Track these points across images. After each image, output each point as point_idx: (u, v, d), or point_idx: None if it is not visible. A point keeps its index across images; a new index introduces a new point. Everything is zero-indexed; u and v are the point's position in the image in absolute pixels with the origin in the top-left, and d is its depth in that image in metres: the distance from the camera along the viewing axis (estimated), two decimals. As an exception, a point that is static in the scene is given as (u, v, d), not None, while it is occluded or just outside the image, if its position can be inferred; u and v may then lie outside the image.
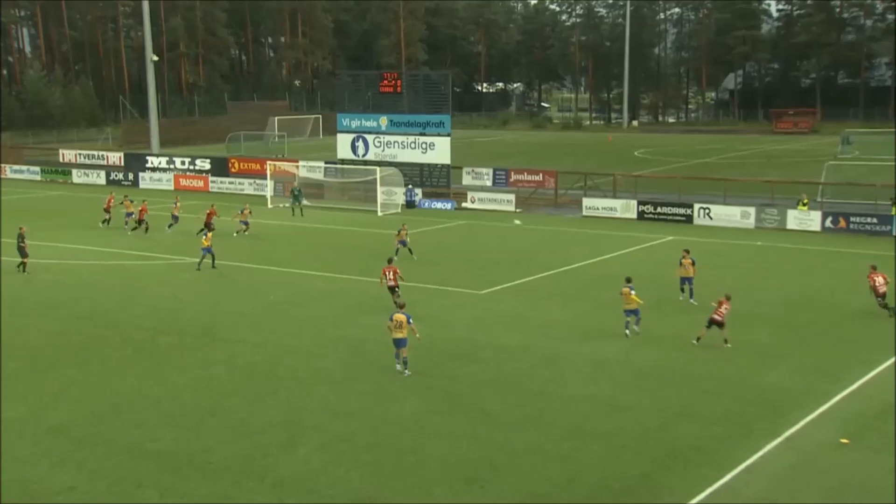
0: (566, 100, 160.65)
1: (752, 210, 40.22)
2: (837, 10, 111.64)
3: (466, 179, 50.47)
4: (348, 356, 20.71)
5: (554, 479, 14.30)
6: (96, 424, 16.49)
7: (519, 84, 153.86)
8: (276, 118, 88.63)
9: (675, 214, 41.47)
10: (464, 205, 46.73)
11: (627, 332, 22.03)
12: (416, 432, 16.19)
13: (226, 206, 43.44)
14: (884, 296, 23.71)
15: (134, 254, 33.41)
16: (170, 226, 38.21)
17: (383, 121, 48.88)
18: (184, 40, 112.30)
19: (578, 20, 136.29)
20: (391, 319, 19.37)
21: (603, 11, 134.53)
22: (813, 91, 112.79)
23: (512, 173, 49.86)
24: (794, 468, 14.74)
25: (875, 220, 37.97)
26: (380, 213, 44.01)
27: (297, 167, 50.19)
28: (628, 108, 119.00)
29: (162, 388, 18.40)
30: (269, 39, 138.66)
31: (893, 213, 37.97)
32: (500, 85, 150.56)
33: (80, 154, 65.23)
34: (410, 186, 47.41)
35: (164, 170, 57.64)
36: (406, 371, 19.27)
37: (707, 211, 40.91)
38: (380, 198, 44.91)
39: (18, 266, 29.47)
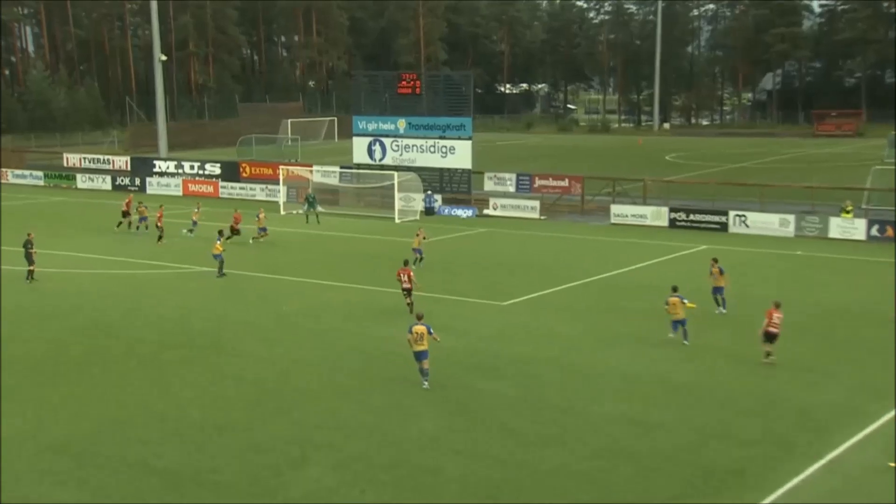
0: (593, 101, 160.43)
1: (791, 218, 39.90)
2: (885, 4, 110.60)
3: (488, 185, 50.44)
4: (363, 370, 20.69)
5: (580, 502, 14.17)
6: (99, 441, 16.56)
7: (544, 85, 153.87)
8: (290, 121, 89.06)
9: (709, 222, 41.24)
10: (485, 212, 46.70)
11: (686, 341, 22.42)
12: (434, 451, 16.12)
13: (227, 213, 43.64)
14: None
15: (139, 262, 33.62)
16: (190, 230, 38.60)
17: (401, 123, 48.98)
18: (193, 39, 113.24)
19: (607, 17, 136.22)
20: (411, 332, 19.36)
21: (633, 8, 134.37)
22: (858, 91, 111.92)
23: (536, 179, 49.78)
24: (838, 493, 14.54)
25: (924, 229, 37.54)
26: (397, 221, 44.06)
27: (311, 172, 50.38)
28: (659, 110, 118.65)
29: (167, 403, 18.45)
30: (283, 38, 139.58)
31: (944, 220, 37.51)
32: (524, 86, 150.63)
33: (84, 158, 65.79)
34: (429, 192, 47.44)
35: (173, 174, 58.06)
36: (426, 383, 19.29)
37: (743, 218, 40.65)
38: (397, 204, 44.97)
39: (28, 275, 29.70)
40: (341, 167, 52.45)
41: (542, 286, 29.48)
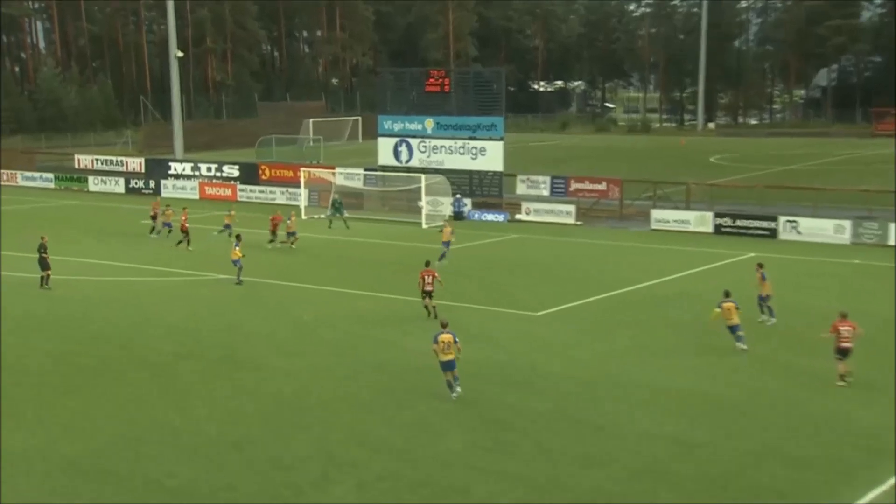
0: (633, 99, 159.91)
1: (847, 223, 39.47)
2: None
3: (521, 188, 50.37)
4: (387, 383, 20.71)
5: (619, 528, 14.07)
6: (110, 458, 16.68)
7: (580, 82, 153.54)
8: (311, 120, 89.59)
9: (758, 228, 40.94)
10: (517, 216, 46.64)
11: (744, 346, 22.67)
12: (463, 470, 16.08)
13: (257, 217, 43.96)
14: None
15: (153, 269, 33.93)
16: (219, 231, 39.16)
17: (429, 123, 49.06)
18: (211, 34, 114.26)
19: (648, 10, 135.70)
20: (436, 341, 19.42)
21: (676, 0, 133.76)
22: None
23: (572, 182, 49.63)
24: (899, 520, 14.30)
25: None
26: (424, 226, 44.12)
27: (334, 174, 50.59)
28: (703, 109, 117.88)
29: (181, 419, 18.57)
30: (305, 33, 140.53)
31: None
32: (559, 83, 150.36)
33: (96, 160, 66.55)
34: (458, 196, 47.46)
35: (189, 177, 58.55)
36: (455, 393, 19.38)
37: (794, 224, 40.29)
38: (424, 208, 45.03)
39: (42, 281, 30.08)
40: (366, 169, 52.61)
41: (577, 296, 29.37)
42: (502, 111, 47.74)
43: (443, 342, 19.30)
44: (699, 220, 42.60)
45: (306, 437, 17.62)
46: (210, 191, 55.82)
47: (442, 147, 48.77)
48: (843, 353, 20.34)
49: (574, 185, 49.35)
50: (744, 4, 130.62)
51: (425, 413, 18.82)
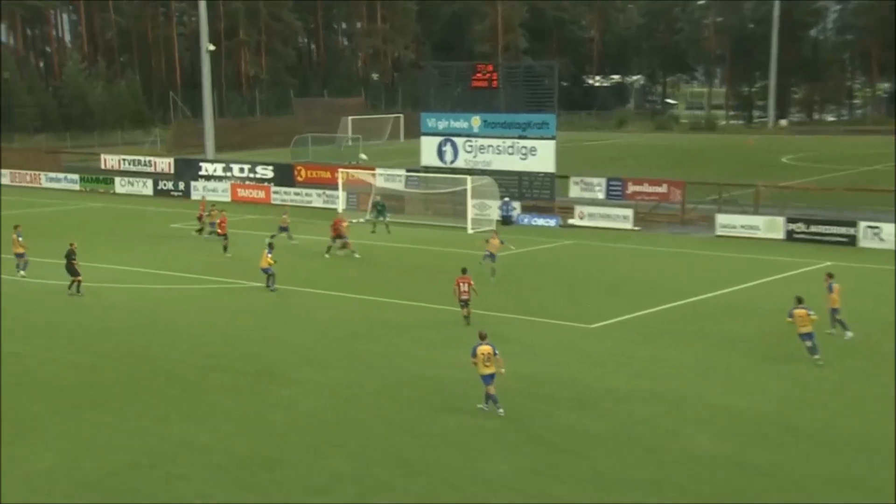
0: (697, 95, 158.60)
1: (933, 230, 38.84)
2: None
3: (574, 191, 50.26)
4: (427, 398, 20.80)
5: (678, 559, 13.99)
6: (136, 477, 16.93)
7: (639, 77, 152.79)
8: (350, 118, 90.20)
9: (835, 235, 40.46)
10: (570, 221, 46.53)
11: (819, 360, 22.67)
12: (509, 494, 16.09)
13: (292, 221, 44.33)
14: None
15: (183, 276, 34.40)
16: (290, 237, 39.96)
17: (475, 121, 49.16)
18: (244, 27, 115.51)
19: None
20: (475, 354, 19.53)
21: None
22: None
23: (629, 184, 49.40)
24: None
25: None
26: (470, 231, 44.19)
27: (374, 176, 50.89)
28: (775, 105, 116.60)
29: (211, 436, 18.80)
30: (343, 25, 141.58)
31: None
32: (616, 78, 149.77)
33: (123, 160, 67.58)
34: (507, 199, 47.47)
35: (220, 178, 59.26)
36: (500, 409, 19.47)
37: (876, 230, 39.77)
38: (470, 212, 45.09)
39: (71, 287, 30.68)
40: (407, 170, 52.86)
41: (635, 307, 29.24)
42: (554, 108, 47.67)
43: (482, 354, 19.46)
44: (769, 226, 42.19)
45: (341, 455, 17.75)
46: (242, 193, 56.43)
47: (489, 147, 48.81)
48: None
49: (632, 188, 49.11)
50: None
51: (467, 431, 18.86)
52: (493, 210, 46.77)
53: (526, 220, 47.21)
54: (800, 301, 23.13)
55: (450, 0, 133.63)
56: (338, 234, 37.85)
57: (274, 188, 55.98)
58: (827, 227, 41.01)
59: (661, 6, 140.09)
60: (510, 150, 48.25)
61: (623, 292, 31.60)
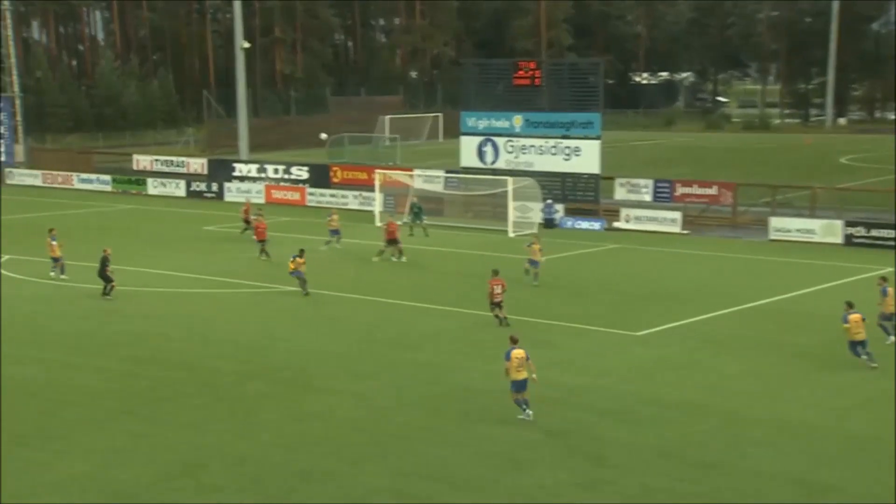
0: (750, 92, 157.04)
1: None
2: None
3: (620, 193, 50.00)
4: (468, 409, 20.77)
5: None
6: (170, 487, 17.07)
7: (688, 73, 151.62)
8: (388, 117, 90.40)
9: (896, 239, 39.93)
10: (615, 224, 46.30)
11: (875, 364, 22.66)
12: (553, 511, 16.04)
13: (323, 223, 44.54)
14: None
15: (217, 280, 34.66)
16: (327, 242, 40.03)
17: (517, 120, 49.09)
18: (279, 24, 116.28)
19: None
20: (509, 358, 19.61)
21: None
22: None
23: (678, 186, 49.06)
24: None
25: None
26: (511, 234, 44.13)
27: (412, 177, 50.96)
28: (833, 103, 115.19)
29: (246, 446, 18.91)
30: (381, 21, 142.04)
31: None
32: (665, 75, 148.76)
33: (156, 160, 68.26)
34: (550, 201, 47.34)
35: (254, 179, 59.65)
36: (529, 413, 19.59)
37: (941, 235, 39.17)
38: (511, 215, 45.02)
39: (105, 291, 31.06)
40: (447, 171, 52.87)
41: (684, 314, 29.04)
42: (600, 106, 47.46)
43: (517, 359, 19.53)
44: (826, 230, 41.72)
45: (379, 467, 17.77)
46: (277, 194, 56.74)
47: (531, 147, 48.70)
48: None
49: (680, 190, 48.77)
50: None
51: (509, 443, 18.81)
52: (535, 213, 46.63)
53: (569, 224, 47.03)
54: (850, 306, 23.06)
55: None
56: (392, 239, 37.79)
57: (309, 190, 56.22)
58: (889, 230, 40.37)
59: (713, 1, 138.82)
60: (553, 151, 48.09)
61: (671, 298, 31.39)
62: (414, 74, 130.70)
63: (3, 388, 22.32)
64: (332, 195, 54.98)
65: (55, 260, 34.12)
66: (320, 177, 58.27)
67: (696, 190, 48.50)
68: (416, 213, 44.26)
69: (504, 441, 18.98)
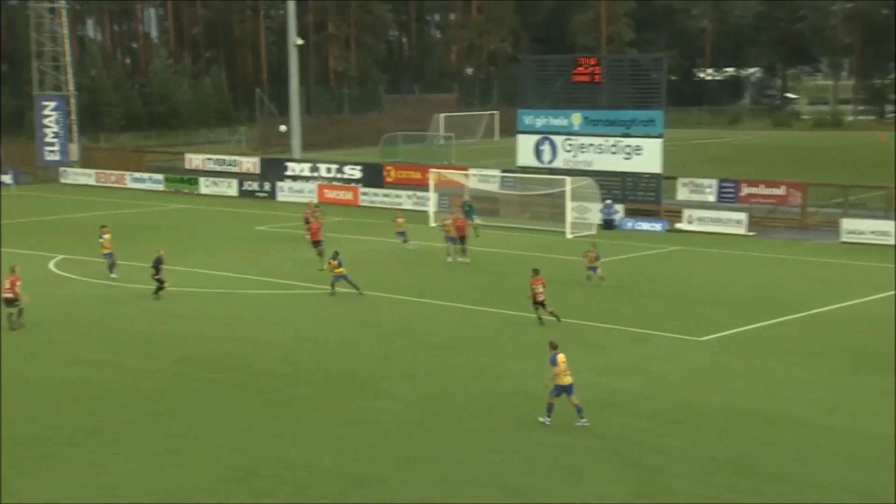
0: (821, 89, 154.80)
1: None
2: None
3: (682, 193, 49.63)
4: (521, 414, 20.74)
5: None
6: (220, 492, 17.25)
7: (756, 69, 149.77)
8: (442, 115, 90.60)
9: (977, 242, 39.16)
10: (677, 226, 45.99)
11: None
12: (611, 521, 15.99)
13: (381, 223, 44.80)
14: None
15: (269, 281, 35.02)
16: (406, 241, 40.34)
17: (576, 118, 48.94)
18: (333, 20, 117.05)
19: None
20: (555, 363, 19.73)
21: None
22: None
23: (743, 185, 48.59)
24: None
25: None
26: (569, 235, 44.01)
27: (467, 176, 51.05)
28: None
29: (297, 450, 19.08)
30: (437, 17, 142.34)
31: None
32: (731, 71, 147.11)
33: (208, 159, 69.11)
34: (609, 202, 47.13)
35: (307, 178, 60.11)
36: (584, 419, 19.57)
37: None
38: (569, 216, 44.89)
39: (156, 291, 31.58)
40: (503, 171, 52.87)
41: (750, 318, 28.79)
42: (662, 104, 47.17)
43: (563, 363, 19.68)
44: (901, 232, 41.10)
45: (432, 475, 17.82)
46: (329, 194, 57.12)
47: (591, 145, 48.52)
48: None
49: (746, 190, 48.31)
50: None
51: (565, 450, 18.77)
52: (594, 213, 46.45)
53: (629, 225, 46.78)
54: None
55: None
56: (461, 237, 37.86)
57: (362, 189, 56.51)
58: (968, 233, 39.69)
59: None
60: (613, 150, 47.87)
61: (736, 302, 31.11)
62: (470, 71, 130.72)
63: (57, 389, 22.87)
64: (386, 195, 55.25)
65: (107, 256, 34.64)
66: (373, 176, 58.55)
67: (762, 190, 48.02)
68: (468, 211, 44.21)
69: (558, 448, 18.93)
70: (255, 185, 60.89)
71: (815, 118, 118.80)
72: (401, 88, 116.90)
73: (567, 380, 19.73)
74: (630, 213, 47.61)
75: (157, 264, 31.60)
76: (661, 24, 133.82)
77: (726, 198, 48.53)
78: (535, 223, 46.93)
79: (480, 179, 51.58)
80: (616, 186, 47.81)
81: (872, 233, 41.89)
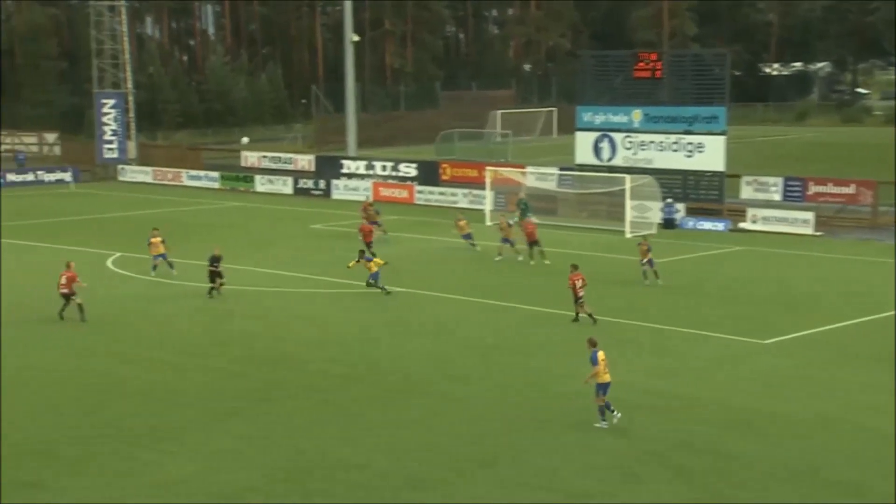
0: (893, 83, 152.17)
1: None
2: None
3: (746, 192, 49.12)
4: (577, 418, 20.66)
5: None
6: (275, 492, 17.45)
7: (824, 63, 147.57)
8: (499, 112, 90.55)
9: None
10: (741, 225, 45.54)
11: None
12: (670, 527, 15.90)
13: (437, 222, 44.85)
14: None
15: (325, 280, 35.29)
16: (473, 245, 40.14)
17: (636, 115, 48.65)
18: (389, 16, 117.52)
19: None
20: (596, 361, 19.77)
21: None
22: None
23: (810, 184, 47.96)
24: None
25: None
26: (628, 234, 43.76)
27: (524, 174, 50.97)
28: None
29: (351, 451, 19.21)
30: (494, 12, 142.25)
31: None
32: (798, 65, 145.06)
33: (264, 157, 69.78)
34: (670, 200, 46.79)
35: (362, 176, 60.46)
36: (617, 413, 19.76)
37: None
38: (629, 214, 44.64)
39: (211, 292, 31.96)
40: (561, 169, 52.74)
41: (817, 321, 28.45)
42: (725, 100, 46.78)
43: (603, 361, 19.83)
44: (977, 232, 40.30)
45: (489, 478, 17.85)
46: (385, 192, 57.35)
47: (651, 143, 48.22)
48: None
49: (813, 188, 47.69)
50: None
51: (622, 454, 18.71)
52: (654, 212, 46.13)
53: (691, 224, 46.39)
54: None
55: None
56: (533, 241, 37.38)
57: (418, 187, 56.68)
58: None
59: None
60: (674, 147, 47.52)
61: (802, 305, 30.76)
62: (527, 67, 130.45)
63: (114, 387, 23.28)
64: (441, 193, 55.35)
65: (160, 257, 35.11)
66: (429, 174, 58.72)
67: (831, 189, 47.37)
68: (523, 209, 44.19)
69: (616, 452, 18.87)
70: (310, 183, 61.34)
71: (888, 114, 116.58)
72: (457, 85, 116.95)
73: (606, 378, 19.80)
74: (691, 212, 47.22)
75: (214, 262, 32.01)
76: (726, 18, 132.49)
77: (792, 197, 47.95)
78: (594, 222, 46.75)
79: (538, 177, 51.50)
80: (677, 185, 47.46)
81: (945, 233, 41.16)
